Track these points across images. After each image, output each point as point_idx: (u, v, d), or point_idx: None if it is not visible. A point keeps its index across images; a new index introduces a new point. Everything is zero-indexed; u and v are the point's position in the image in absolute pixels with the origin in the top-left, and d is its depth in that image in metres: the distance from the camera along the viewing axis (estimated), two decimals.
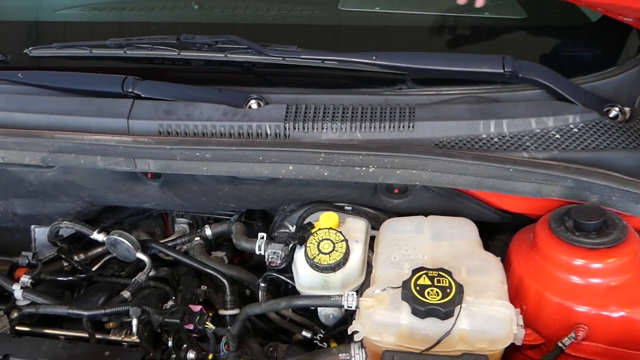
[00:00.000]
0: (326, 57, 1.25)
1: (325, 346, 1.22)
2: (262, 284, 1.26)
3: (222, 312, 1.28)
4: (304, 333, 1.25)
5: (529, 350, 1.09)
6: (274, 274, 1.24)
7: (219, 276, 1.29)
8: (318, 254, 1.08)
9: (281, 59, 1.27)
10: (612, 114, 1.22)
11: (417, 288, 0.98)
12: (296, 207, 1.33)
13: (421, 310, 0.95)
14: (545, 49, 1.35)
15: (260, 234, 1.25)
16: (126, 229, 1.53)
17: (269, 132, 1.20)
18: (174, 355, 1.09)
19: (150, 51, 1.30)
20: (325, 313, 1.23)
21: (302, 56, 1.24)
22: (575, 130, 1.19)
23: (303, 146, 1.13)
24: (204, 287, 1.35)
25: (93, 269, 1.40)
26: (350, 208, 1.28)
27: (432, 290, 0.97)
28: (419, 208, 1.26)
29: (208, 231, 1.43)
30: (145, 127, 1.23)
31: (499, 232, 1.31)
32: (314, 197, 1.27)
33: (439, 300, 0.96)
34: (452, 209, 1.25)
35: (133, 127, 1.24)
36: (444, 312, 0.95)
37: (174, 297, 1.29)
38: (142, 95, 1.28)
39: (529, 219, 1.18)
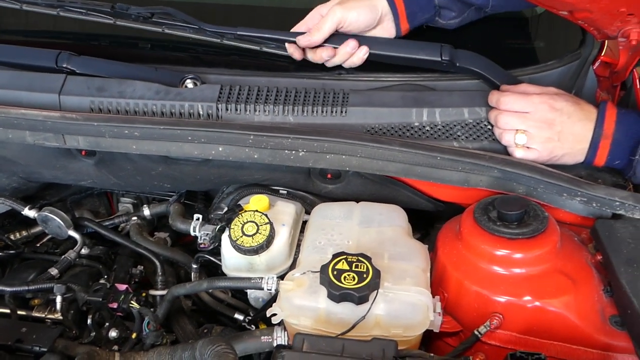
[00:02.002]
0: (264, 35, 1.22)
1: (254, 328, 1.22)
2: (194, 266, 1.26)
3: (153, 292, 1.27)
4: (237, 315, 1.25)
5: (448, 338, 1.10)
6: (206, 255, 1.23)
7: (150, 256, 1.28)
8: (241, 236, 1.08)
9: (220, 37, 1.26)
10: None
11: (335, 272, 0.98)
12: (234, 189, 1.32)
13: (336, 294, 0.96)
14: (487, 40, 1.35)
15: (195, 215, 1.25)
16: (68, 207, 1.51)
17: (201, 113, 1.18)
18: (94, 334, 1.09)
19: (84, 16, 1.26)
20: (255, 296, 1.22)
21: (239, 32, 1.22)
22: None
23: (232, 127, 1.12)
24: (140, 267, 1.34)
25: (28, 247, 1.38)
26: (285, 192, 1.28)
27: (348, 275, 0.97)
28: (353, 194, 1.26)
29: (146, 211, 1.42)
30: (77, 103, 1.21)
31: (440, 220, 1.31)
32: (248, 179, 1.27)
33: (354, 285, 0.96)
34: (386, 196, 1.25)
35: (65, 102, 1.21)
36: (358, 296, 0.95)
37: (105, 276, 1.28)
38: (77, 71, 1.26)
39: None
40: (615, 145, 1.09)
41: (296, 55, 1.25)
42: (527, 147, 1.12)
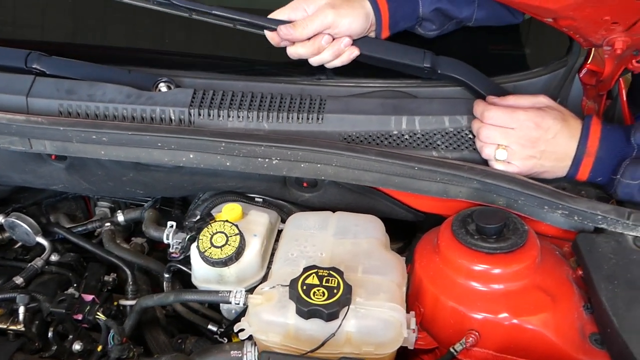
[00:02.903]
0: (239, 17, 1.12)
1: (226, 341, 1.18)
2: (166, 275, 1.22)
3: (123, 302, 1.23)
4: (210, 326, 1.21)
5: (425, 355, 1.07)
6: (178, 265, 1.20)
7: (120, 264, 1.25)
8: (210, 247, 1.04)
9: (188, 12, 1.13)
10: None
11: (304, 287, 0.94)
12: (209, 195, 1.28)
13: (304, 310, 0.92)
14: (471, 46, 1.31)
15: (169, 223, 1.21)
16: (43, 211, 1.48)
17: (173, 118, 1.15)
18: (55, 347, 1.05)
19: None
20: (228, 307, 1.18)
21: (214, 12, 1.12)
22: None
23: (203, 134, 1.08)
24: (113, 275, 1.31)
25: None
26: (261, 200, 1.24)
27: (318, 290, 0.93)
28: (330, 203, 1.22)
29: (120, 217, 1.38)
30: (46, 106, 1.17)
31: (422, 229, 1.28)
32: (222, 187, 1.23)
33: (323, 301, 0.92)
34: (365, 205, 1.22)
35: (32, 105, 1.18)
36: (327, 313, 0.91)
37: (75, 285, 1.24)
38: (47, 72, 1.22)
39: None
40: (598, 163, 1.07)
41: (275, 40, 1.16)
42: (508, 162, 1.09)
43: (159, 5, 1.12)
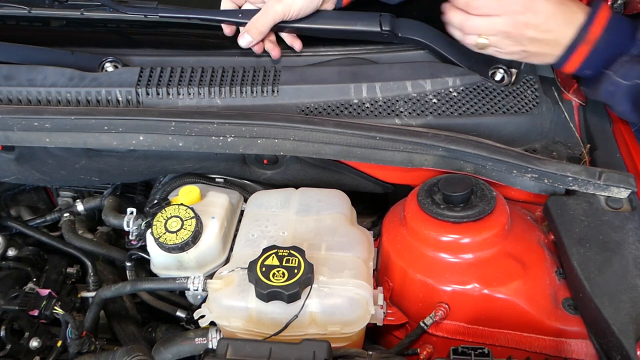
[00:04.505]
0: (188, 15, 1.13)
1: (193, 327, 1.14)
2: (128, 264, 1.17)
3: (84, 294, 1.19)
4: (179, 313, 1.17)
5: (396, 330, 1.03)
6: (139, 252, 1.15)
7: (80, 256, 1.20)
8: (164, 233, 0.99)
9: (142, 16, 1.15)
10: (498, 76, 1.15)
11: (263, 269, 0.90)
12: (169, 179, 1.23)
13: (263, 293, 0.87)
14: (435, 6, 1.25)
15: (129, 209, 1.16)
16: (3, 204, 1.42)
17: (120, 99, 1.08)
18: (9, 346, 1.00)
19: None
20: (193, 293, 1.14)
21: (161, 14, 1.12)
22: (455, 94, 1.11)
23: (152, 114, 1.02)
24: (76, 267, 1.26)
25: None
26: (222, 180, 1.19)
27: (278, 271, 0.89)
28: (294, 179, 1.17)
29: (80, 206, 1.33)
30: None
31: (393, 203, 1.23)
32: (179, 169, 1.17)
33: (283, 282, 0.88)
34: (329, 179, 1.17)
35: None
36: (287, 294, 0.87)
37: (35, 279, 1.19)
38: None
39: None
40: (594, 54, 0.98)
41: (227, 30, 1.16)
42: (493, 49, 1.02)
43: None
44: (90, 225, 1.36)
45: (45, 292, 1.08)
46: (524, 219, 1.03)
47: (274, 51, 1.14)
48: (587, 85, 1.04)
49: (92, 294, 1.17)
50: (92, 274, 1.19)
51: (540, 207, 1.05)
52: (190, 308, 1.17)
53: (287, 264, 0.90)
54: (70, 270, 1.25)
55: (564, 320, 0.93)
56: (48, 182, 1.31)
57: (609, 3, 1.06)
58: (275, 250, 0.92)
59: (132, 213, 1.15)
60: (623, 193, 0.98)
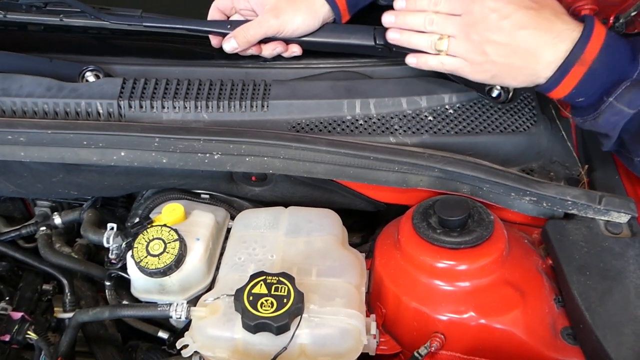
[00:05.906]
0: (174, 25, 1.08)
1: (175, 352, 1.09)
2: (107, 283, 1.11)
3: (61, 315, 1.13)
4: (160, 334, 1.12)
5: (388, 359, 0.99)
6: (119, 272, 1.09)
7: (56, 274, 1.14)
8: (146, 256, 0.93)
9: (126, 25, 1.10)
10: (495, 93, 1.11)
11: (251, 298, 0.85)
12: (152, 193, 1.17)
13: (250, 325, 0.83)
14: None
15: (109, 225, 1.10)
16: None
17: (101, 111, 1.03)
18: None
19: None
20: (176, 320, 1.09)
21: (145, 23, 1.07)
22: (451, 111, 1.07)
23: (134, 129, 0.96)
24: (53, 283, 1.19)
25: None
26: (207, 196, 1.14)
27: (266, 300, 0.84)
28: (283, 196, 1.13)
29: (57, 219, 1.26)
30: None
31: (385, 220, 1.19)
32: (163, 185, 1.12)
33: (271, 312, 0.83)
34: (320, 197, 1.13)
35: None
36: (276, 326, 0.82)
37: (7, 298, 1.13)
38: None
39: None
40: (589, 77, 0.85)
41: (214, 42, 1.12)
42: (452, 57, 0.93)
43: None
44: (69, 238, 1.30)
45: (17, 315, 1.02)
46: (521, 243, 0.99)
47: (257, 50, 1.11)
48: (580, 114, 0.93)
49: (68, 315, 1.12)
50: (68, 293, 1.13)
51: (538, 230, 1.02)
52: (172, 330, 1.13)
53: (276, 292, 0.85)
54: (46, 286, 1.19)
55: (563, 351, 0.89)
56: (24, 194, 1.24)
57: (611, 20, 1.03)
58: (264, 277, 0.87)
59: (112, 229, 1.09)
60: (623, 218, 0.95)
